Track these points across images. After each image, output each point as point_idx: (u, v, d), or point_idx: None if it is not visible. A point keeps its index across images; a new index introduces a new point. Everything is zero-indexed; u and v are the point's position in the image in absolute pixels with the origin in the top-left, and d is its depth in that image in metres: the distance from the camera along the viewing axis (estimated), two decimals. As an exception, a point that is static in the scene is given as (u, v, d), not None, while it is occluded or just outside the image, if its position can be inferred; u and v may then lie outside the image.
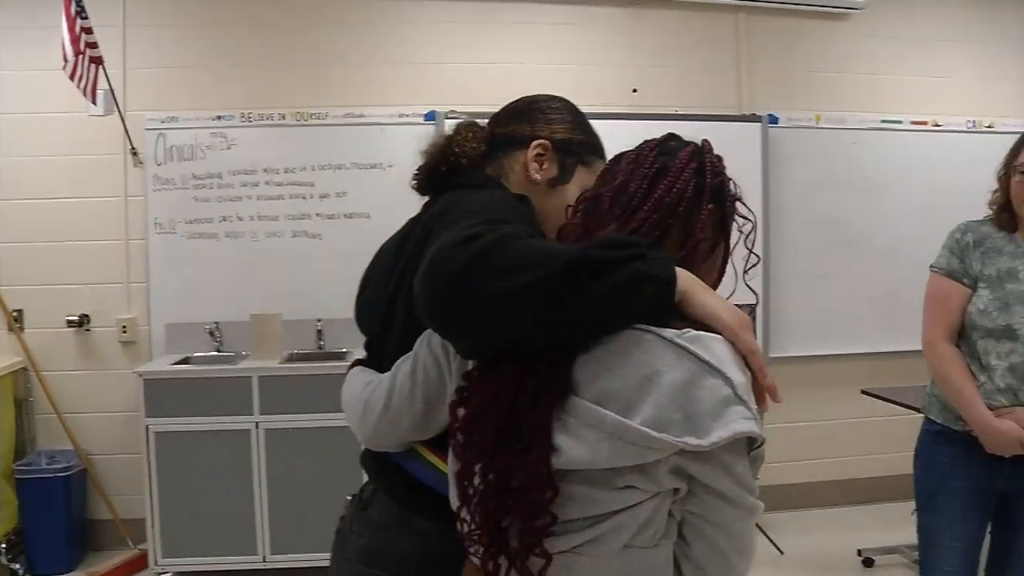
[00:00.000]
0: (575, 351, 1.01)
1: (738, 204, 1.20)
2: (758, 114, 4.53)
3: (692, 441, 0.92)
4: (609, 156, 1.29)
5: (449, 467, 1.12)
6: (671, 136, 1.23)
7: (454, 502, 1.09)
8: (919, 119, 4.70)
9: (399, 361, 1.26)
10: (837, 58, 4.72)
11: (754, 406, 0.97)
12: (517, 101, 1.56)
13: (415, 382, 1.21)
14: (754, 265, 1.21)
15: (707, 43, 4.62)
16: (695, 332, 0.98)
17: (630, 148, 1.23)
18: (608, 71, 4.46)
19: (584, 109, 1.56)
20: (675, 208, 1.12)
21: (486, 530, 1.04)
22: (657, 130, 1.27)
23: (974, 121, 4.76)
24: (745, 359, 1.01)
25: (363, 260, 1.53)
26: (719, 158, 1.20)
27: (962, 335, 2.35)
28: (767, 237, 4.46)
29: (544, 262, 0.97)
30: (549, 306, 0.97)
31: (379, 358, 1.36)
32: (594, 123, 1.55)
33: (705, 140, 1.22)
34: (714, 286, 1.16)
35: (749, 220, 1.20)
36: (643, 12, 4.54)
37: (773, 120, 4.55)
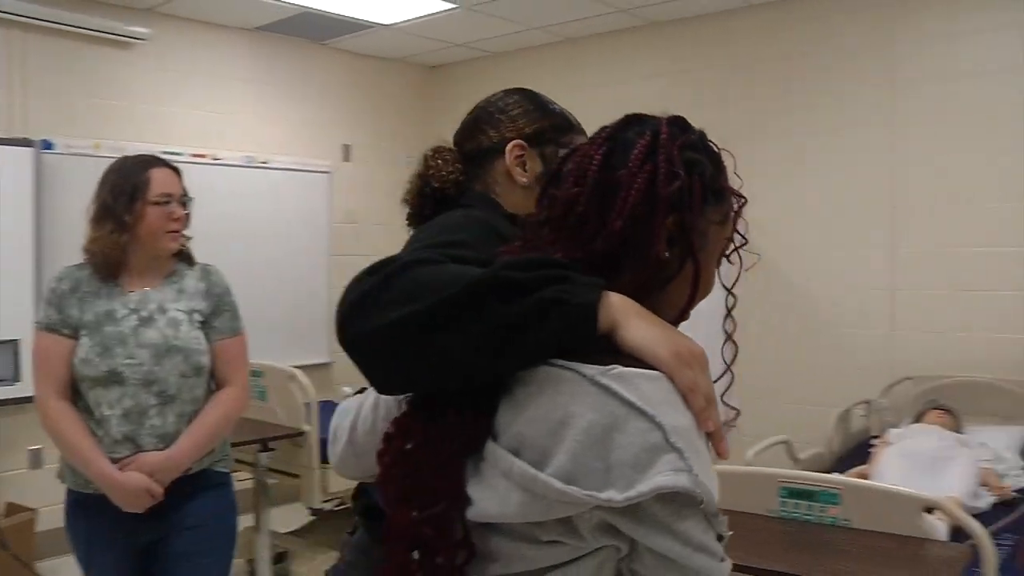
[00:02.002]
0: (500, 391, 0.90)
1: (709, 206, 0.99)
2: (31, 139, 4.40)
3: (604, 496, 0.80)
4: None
5: None
6: (630, 120, 1.01)
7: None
8: (199, 152, 5.03)
9: (367, 391, 1.15)
10: (121, 86, 4.81)
11: (698, 455, 0.84)
12: (473, 110, 1.49)
13: (376, 416, 1.12)
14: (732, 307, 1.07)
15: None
16: (622, 368, 0.85)
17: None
18: None
19: None
20: (628, 233, 0.94)
21: None
22: None
23: (251, 157, 5.30)
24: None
25: None
26: (683, 146, 0.97)
27: (78, 390, 2.21)
28: (40, 266, 4.31)
29: (441, 288, 0.87)
30: (444, 336, 0.86)
31: None
32: None
33: (671, 120, 1.00)
34: (684, 313, 1.01)
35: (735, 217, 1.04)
36: None
37: (47, 146, 4.46)
